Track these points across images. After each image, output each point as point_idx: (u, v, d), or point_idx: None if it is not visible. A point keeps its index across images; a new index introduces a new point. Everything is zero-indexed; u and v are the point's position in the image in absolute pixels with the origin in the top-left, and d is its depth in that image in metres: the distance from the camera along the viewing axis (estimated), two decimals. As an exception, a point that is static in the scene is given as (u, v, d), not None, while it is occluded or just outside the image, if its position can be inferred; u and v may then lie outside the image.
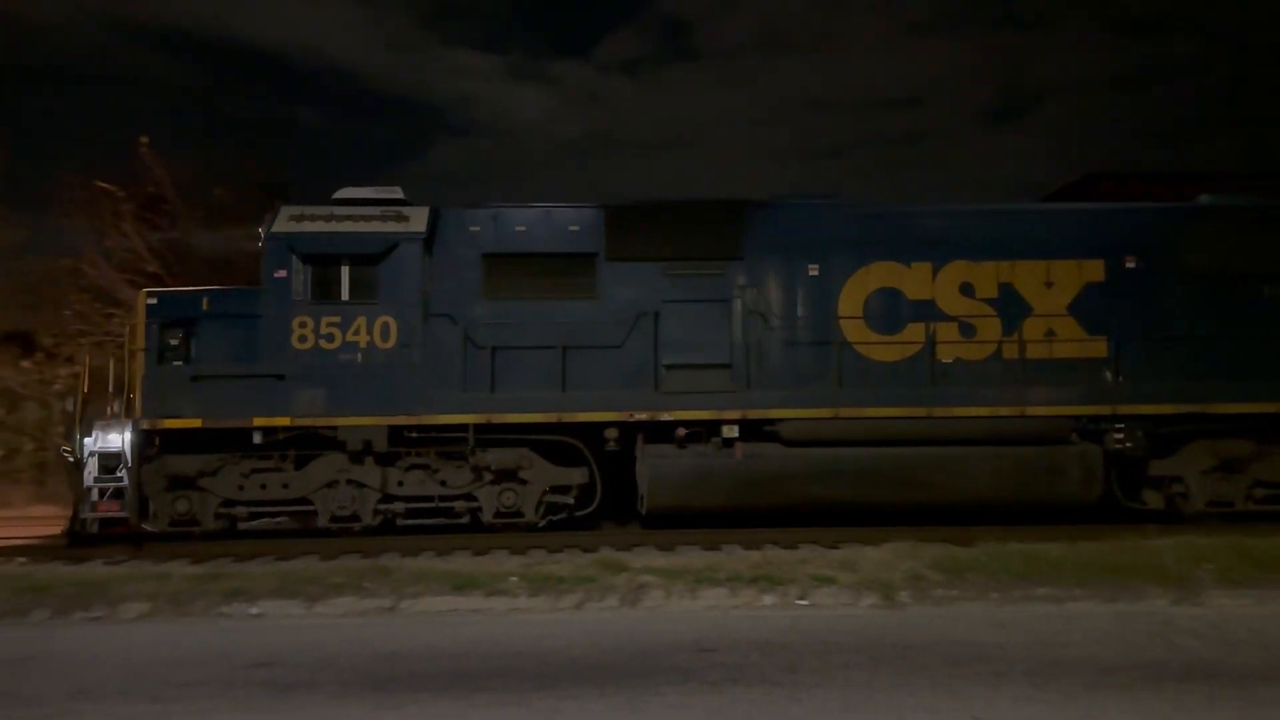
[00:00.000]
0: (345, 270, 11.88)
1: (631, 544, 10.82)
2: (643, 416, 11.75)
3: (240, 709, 5.17)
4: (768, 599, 8.10)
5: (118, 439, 11.40)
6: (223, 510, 11.71)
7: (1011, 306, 12.10)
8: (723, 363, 11.92)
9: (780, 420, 11.75)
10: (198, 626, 7.63)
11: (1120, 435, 11.90)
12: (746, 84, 64.42)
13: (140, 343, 11.59)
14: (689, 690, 5.45)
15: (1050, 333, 12.06)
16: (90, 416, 11.81)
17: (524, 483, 11.90)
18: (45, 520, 14.15)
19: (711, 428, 11.81)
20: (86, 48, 52.47)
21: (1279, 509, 11.90)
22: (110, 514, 11.48)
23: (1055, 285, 12.17)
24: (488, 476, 11.85)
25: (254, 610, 7.99)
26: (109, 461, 11.46)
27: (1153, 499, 12.27)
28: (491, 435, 11.74)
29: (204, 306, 11.88)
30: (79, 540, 11.42)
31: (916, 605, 7.91)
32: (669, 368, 11.86)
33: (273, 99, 54.46)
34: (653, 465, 11.63)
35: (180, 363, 11.67)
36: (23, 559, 10.57)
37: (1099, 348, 12.00)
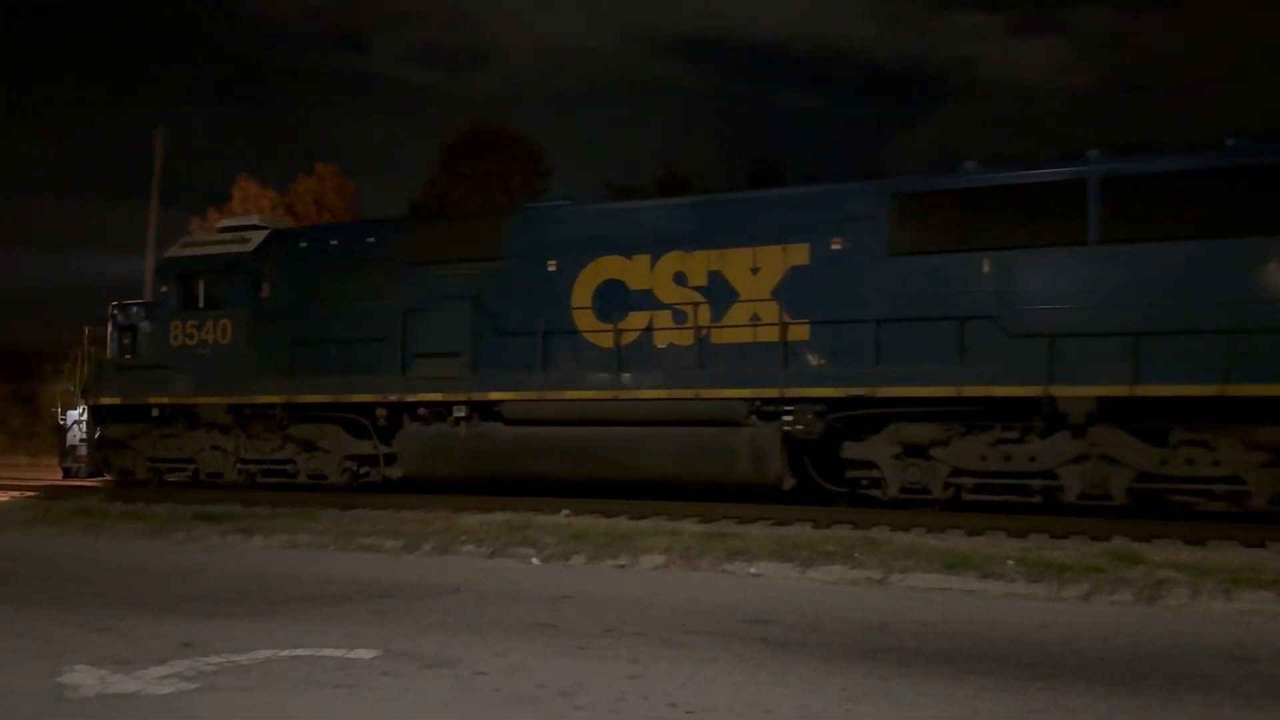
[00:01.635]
0: (201, 284, 15.35)
1: (1151, 534, 9.72)
2: (393, 399, 13.94)
3: (739, 660, 5.51)
4: (1330, 609, 6.80)
5: None
6: (149, 464, 15.89)
7: (720, 293, 12.40)
8: (456, 351, 13.55)
9: (500, 402, 13.23)
10: (704, 580, 8.30)
11: (790, 418, 11.84)
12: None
13: (106, 342, 16.31)
14: (1218, 701, 4.76)
15: (755, 318, 12.26)
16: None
17: (326, 451, 14.63)
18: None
19: (449, 408, 13.59)
20: (613, 65, 59.16)
21: (979, 499, 11.29)
22: (81, 465, 16.19)
23: (761, 271, 12.29)
24: (291, 446, 14.84)
25: (753, 570, 8.49)
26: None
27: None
28: (309, 413, 14.61)
29: (140, 315, 16.15)
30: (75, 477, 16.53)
31: None
32: (417, 356, 13.85)
33: (773, 90, 56.97)
34: (402, 439, 14.00)
35: (129, 356, 15.98)
36: (567, 511, 12.27)
37: (800, 331, 11.99)
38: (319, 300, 14.66)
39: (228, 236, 15.80)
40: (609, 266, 13.12)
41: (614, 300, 13.00)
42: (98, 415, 16.06)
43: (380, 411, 14.12)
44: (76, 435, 16.31)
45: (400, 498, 13.68)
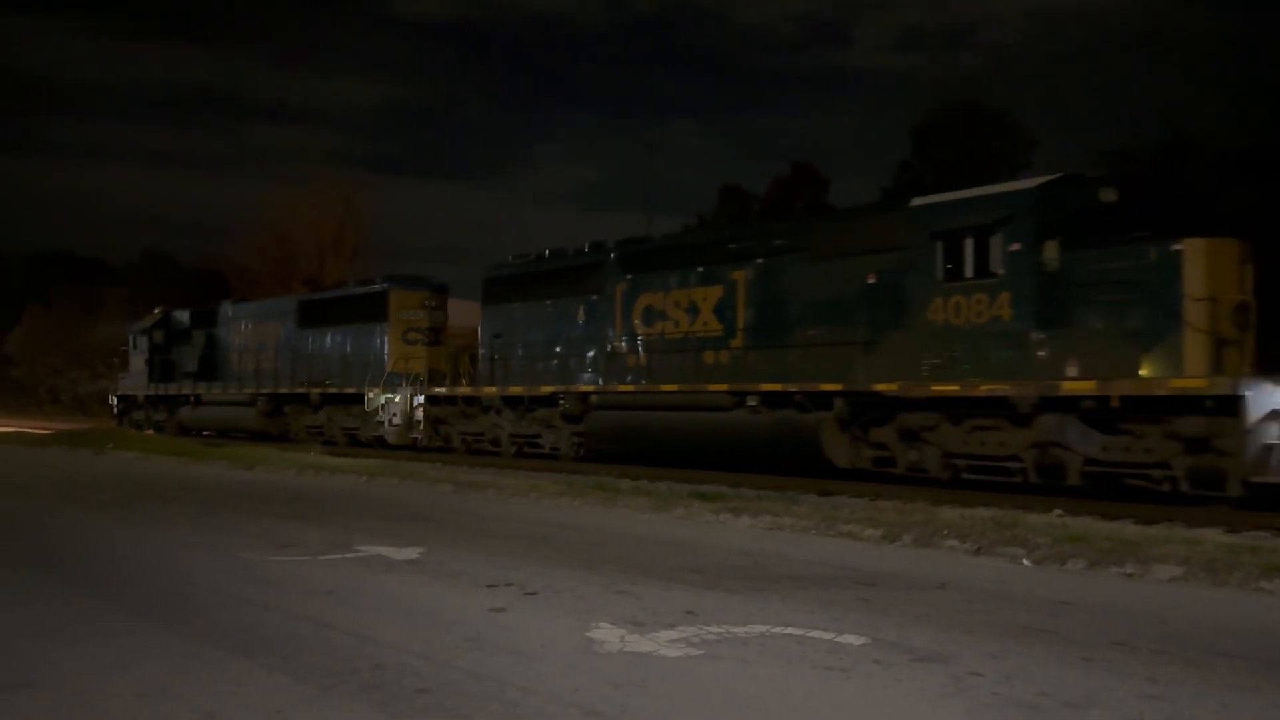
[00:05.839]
0: (144, 338, 34.31)
1: None
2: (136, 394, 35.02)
3: (1287, 695, 4.73)
4: None
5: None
6: (146, 419, 34.98)
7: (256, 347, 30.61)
8: (143, 371, 33.97)
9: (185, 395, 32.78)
10: (1233, 598, 7.23)
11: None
12: None
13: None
14: None
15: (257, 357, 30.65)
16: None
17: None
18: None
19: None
20: (1112, 20, 53.82)
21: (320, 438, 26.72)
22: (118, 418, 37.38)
23: (267, 336, 29.58)
24: (159, 413, 35.13)
25: (1300, 591, 7.22)
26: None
27: None
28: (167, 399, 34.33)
29: (130, 351, 36.11)
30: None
31: None
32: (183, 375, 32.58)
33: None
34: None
35: (124, 372, 37.17)
36: (1059, 511, 11.40)
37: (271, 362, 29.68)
38: (156, 346, 33.57)
39: (153, 315, 34.54)
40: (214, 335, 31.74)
41: (219, 349, 31.29)
42: (119, 399, 36.20)
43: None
44: (115, 405, 36.73)
45: (877, 487, 13.69)
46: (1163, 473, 11.92)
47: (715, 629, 5.90)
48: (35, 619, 6.29)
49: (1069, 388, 12.40)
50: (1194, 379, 11.58)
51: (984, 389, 13.16)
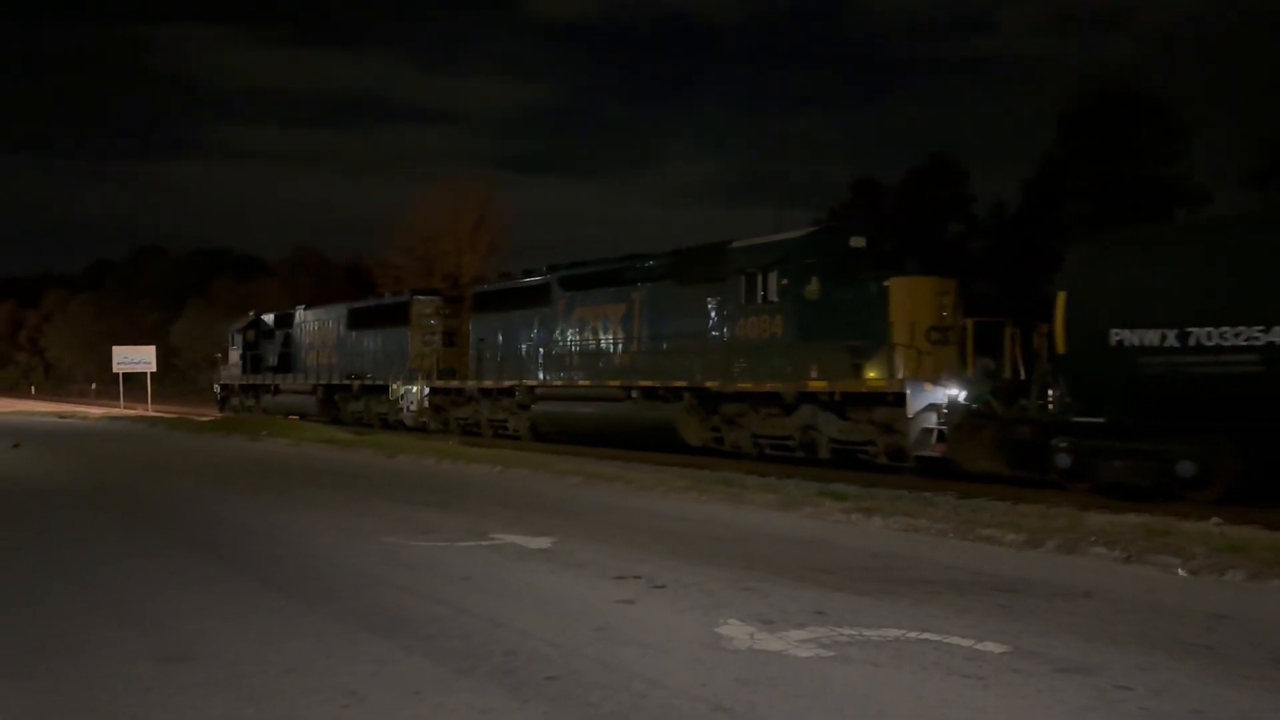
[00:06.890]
0: (243, 336, 39.68)
1: None
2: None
3: None
4: None
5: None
6: (240, 408, 39.88)
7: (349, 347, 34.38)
8: (238, 364, 40.29)
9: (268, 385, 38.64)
10: None
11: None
12: None
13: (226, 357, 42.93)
14: None
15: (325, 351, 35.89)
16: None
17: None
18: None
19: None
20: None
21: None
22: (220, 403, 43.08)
23: (329, 331, 35.57)
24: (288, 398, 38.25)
25: None
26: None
27: None
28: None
29: (228, 345, 42.07)
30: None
31: None
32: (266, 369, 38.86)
33: None
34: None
35: (224, 366, 43.49)
36: (1218, 519, 10.74)
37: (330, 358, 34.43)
38: (248, 343, 38.73)
39: (246, 317, 39.71)
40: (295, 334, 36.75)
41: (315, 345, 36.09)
42: (221, 387, 41.48)
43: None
44: (219, 393, 42.26)
45: (1019, 490, 13.20)
46: (874, 448, 16.00)
47: (847, 630, 5.80)
48: (195, 596, 6.70)
49: (812, 386, 16.90)
50: (878, 380, 15.99)
51: (767, 387, 17.69)
